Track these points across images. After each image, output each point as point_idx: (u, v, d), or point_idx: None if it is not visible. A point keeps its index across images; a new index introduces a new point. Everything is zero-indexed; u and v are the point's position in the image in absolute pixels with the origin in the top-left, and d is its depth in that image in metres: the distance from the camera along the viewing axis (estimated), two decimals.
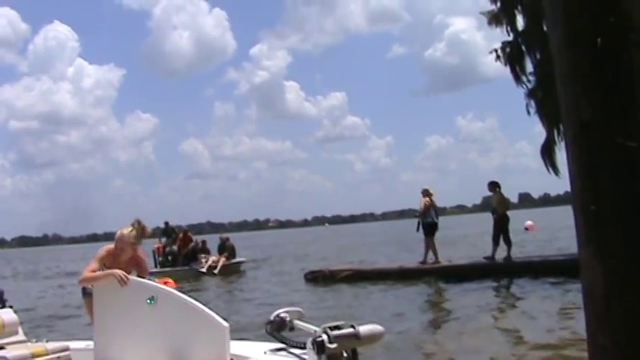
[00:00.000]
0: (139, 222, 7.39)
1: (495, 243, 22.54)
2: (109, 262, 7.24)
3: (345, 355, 4.83)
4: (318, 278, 23.57)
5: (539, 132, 22.75)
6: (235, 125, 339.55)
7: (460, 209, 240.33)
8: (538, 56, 22.22)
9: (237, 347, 5.36)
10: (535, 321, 13.69)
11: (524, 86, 22.86)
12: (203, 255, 31.89)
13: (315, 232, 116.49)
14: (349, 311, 15.76)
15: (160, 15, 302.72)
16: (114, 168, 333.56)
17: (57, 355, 7.51)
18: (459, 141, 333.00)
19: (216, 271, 30.40)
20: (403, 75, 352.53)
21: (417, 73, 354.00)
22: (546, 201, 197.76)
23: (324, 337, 4.69)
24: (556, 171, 22.16)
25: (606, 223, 2.57)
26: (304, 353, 4.92)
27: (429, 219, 23.15)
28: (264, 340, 5.73)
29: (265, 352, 5.38)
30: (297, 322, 5.41)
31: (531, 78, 22.65)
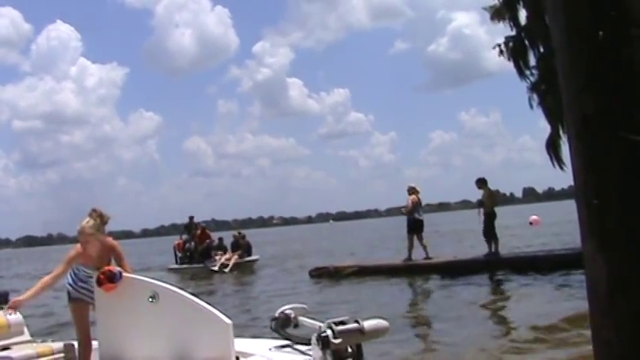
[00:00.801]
0: (94, 210, 7.30)
1: (489, 239, 22.59)
2: (82, 259, 7.23)
3: (349, 350, 4.83)
4: (322, 274, 23.59)
5: (542, 126, 22.76)
6: (239, 123, 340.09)
7: (465, 204, 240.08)
8: (541, 50, 22.21)
9: (241, 344, 5.37)
10: (539, 314, 13.68)
11: (527, 80, 22.87)
12: (217, 252, 31.76)
13: (320, 229, 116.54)
14: (354, 307, 15.75)
15: (162, 13, 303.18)
16: (118, 167, 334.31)
17: (62, 354, 7.53)
18: (463, 136, 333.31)
19: (227, 269, 30.29)
20: (406, 71, 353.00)
21: (420, 68, 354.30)
22: (551, 195, 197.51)
23: (329, 332, 4.69)
24: (561, 165, 22.14)
25: (610, 217, 2.57)
26: (309, 349, 4.92)
27: (415, 216, 23.29)
28: (269, 337, 5.74)
29: (270, 349, 5.39)
30: (301, 318, 5.41)
31: (534, 72, 22.64)
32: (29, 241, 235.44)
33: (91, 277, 7.01)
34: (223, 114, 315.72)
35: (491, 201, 22.96)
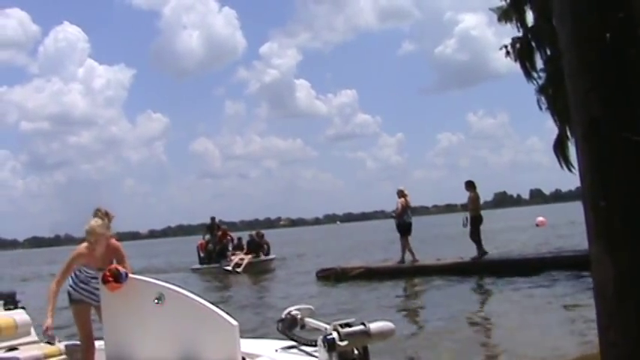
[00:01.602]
0: (99, 210, 7.26)
1: (478, 242, 22.69)
2: (85, 260, 7.20)
3: (355, 352, 4.83)
4: (329, 276, 23.56)
5: (550, 128, 22.66)
6: (246, 124, 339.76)
7: None
8: (548, 52, 22.15)
9: (248, 345, 5.37)
10: (544, 316, 13.66)
11: (534, 82, 22.78)
12: (235, 252, 31.77)
13: (327, 230, 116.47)
14: (360, 309, 15.73)
15: (170, 15, 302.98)
16: (125, 168, 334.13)
17: (69, 355, 7.54)
18: (470, 138, 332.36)
19: (239, 269, 30.30)
20: (414, 72, 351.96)
21: (428, 70, 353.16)
22: (557, 197, 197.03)
23: (335, 334, 4.68)
24: (569, 166, 22.07)
25: (616, 218, 2.56)
26: (315, 351, 4.92)
27: (405, 219, 23.40)
28: (276, 338, 5.74)
29: (276, 350, 5.38)
30: (308, 319, 5.41)
31: (542, 74, 22.59)
32: (37, 242, 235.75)
33: (94, 278, 7.01)
34: (231, 115, 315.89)
35: (476, 205, 22.93)
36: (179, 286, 5.53)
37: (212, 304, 5.24)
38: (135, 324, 5.63)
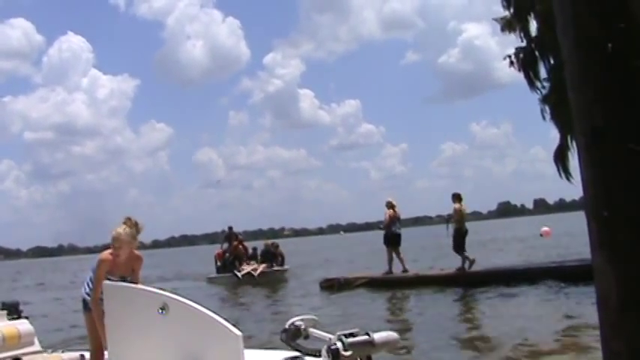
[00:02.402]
0: (129, 219, 7.33)
1: (461, 253, 22.80)
2: (109, 267, 7.24)
3: None
4: (333, 286, 23.59)
5: (554, 137, 22.71)
6: (250, 134, 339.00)
7: (475, 216, 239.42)
8: (552, 61, 22.19)
9: (251, 356, 5.37)
10: (544, 325, 13.65)
11: (538, 92, 22.84)
12: (249, 262, 31.87)
13: (331, 240, 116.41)
14: (364, 319, 15.73)
15: (174, 25, 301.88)
16: (129, 178, 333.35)
17: None
18: (474, 147, 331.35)
19: (240, 276, 30.56)
20: (417, 82, 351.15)
21: (431, 79, 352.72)
22: (562, 206, 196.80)
23: (339, 344, 4.68)
24: (569, 176, 22.09)
25: (619, 228, 2.56)
26: None
27: (393, 230, 23.59)
28: (279, 349, 5.74)
29: None
30: (311, 329, 5.40)
31: (545, 84, 22.63)
32: (40, 252, 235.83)
33: None
34: (234, 125, 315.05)
35: (461, 217, 23.01)
36: (183, 296, 5.53)
37: (216, 313, 5.24)
38: (138, 334, 5.63)
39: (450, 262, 22.94)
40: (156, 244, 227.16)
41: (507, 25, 23.12)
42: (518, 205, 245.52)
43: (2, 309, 8.28)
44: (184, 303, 5.40)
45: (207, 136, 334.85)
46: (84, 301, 7.43)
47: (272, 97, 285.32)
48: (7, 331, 7.85)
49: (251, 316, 19.28)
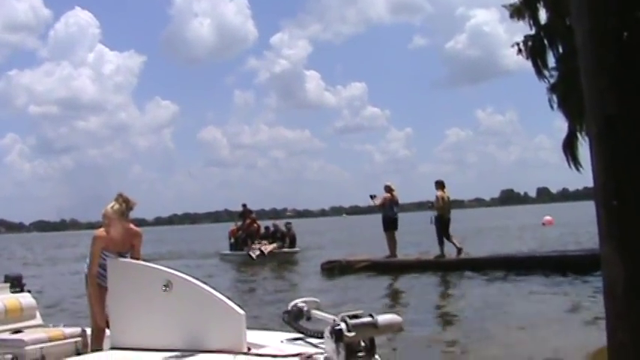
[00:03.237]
0: (120, 195, 7.31)
1: (441, 242, 22.96)
2: (104, 243, 7.26)
3: (362, 344, 4.83)
4: (334, 268, 23.61)
5: (559, 126, 22.69)
6: (254, 114, 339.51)
7: (478, 202, 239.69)
8: (561, 50, 22.11)
9: (253, 336, 5.37)
10: (549, 315, 13.67)
11: (546, 80, 22.76)
12: (261, 241, 31.73)
13: (333, 222, 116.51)
14: (364, 302, 15.75)
15: (181, 2, 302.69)
16: (132, 154, 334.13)
17: (74, 339, 7.56)
18: (479, 134, 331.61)
19: (254, 256, 30.51)
20: (424, 66, 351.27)
21: (438, 64, 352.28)
22: (565, 196, 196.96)
23: (343, 325, 4.68)
24: (577, 166, 22.04)
25: (628, 218, 2.55)
26: (322, 342, 4.92)
27: (390, 214, 23.82)
28: (282, 330, 5.75)
29: (282, 341, 5.38)
30: (314, 311, 5.41)
31: (553, 72, 22.55)
32: (42, 226, 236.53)
33: None
34: (239, 105, 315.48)
35: (442, 204, 23.07)
36: (188, 274, 5.54)
37: (220, 292, 5.25)
38: (141, 310, 5.64)
39: (452, 247, 22.93)
40: (158, 221, 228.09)
41: (516, 12, 23.02)
42: (521, 193, 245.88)
43: (5, 282, 8.31)
44: (188, 280, 5.41)
45: (211, 114, 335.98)
46: (85, 276, 7.46)
47: (278, 78, 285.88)
48: (9, 304, 7.88)
49: (254, 296, 19.32)
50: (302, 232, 34.63)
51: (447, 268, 21.55)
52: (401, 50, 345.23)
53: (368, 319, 4.79)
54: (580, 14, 2.71)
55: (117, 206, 7.23)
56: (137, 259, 7.34)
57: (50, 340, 7.38)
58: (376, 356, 4.77)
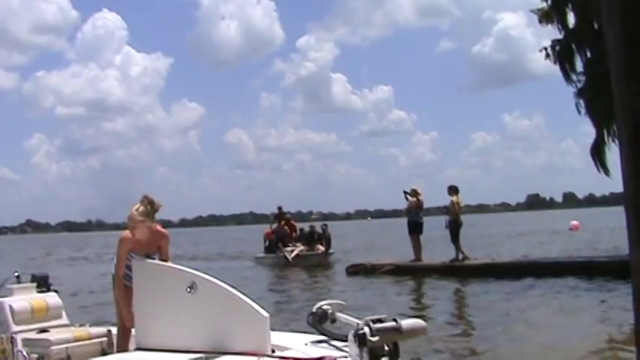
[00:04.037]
0: (146, 197, 7.30)
1: (457, 244, 23.01)
2: (130, 245, 7.28)
3: (386, 348, 4.82)
4: (359, 271, 23.63)
5: (586, 131, 22.62)
6: (281, 116, 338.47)
7: (504, 207, 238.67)
8: (589, 55, 22.01)
9: (278, 338, 5.38)
10: (576, 320, 13.59)
11: (573, 85, 22.66)
12: (295, 244, 31.59)
13: (358, 226, 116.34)
14: (388, 305, 15.72)
15: (208, 5, 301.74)
16: (159, 156, 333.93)
17: (99, 339, 7.60)
18: (505, 138, 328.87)
19: (290, 258, 30.41)
20: (450, 70, 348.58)
21: (464, 68, 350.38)
22: (591, 201, 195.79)
23: (366, 329, 4.67)
24: (606, 171, 21.94)
25: None
26: (345, 345, 4.91)
27: (415, 219, 23.90)
28: (306, 332, 5.74)
29: (306, 344, 5.38)
30: (339, 314, 5.40)
31: (581, 77, 22.44)
32: (68, 226, 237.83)
33: None
34: (266, 107, 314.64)
35: (455, 209, 23.07)
36: (213, 276, 5.55)
37: (253, 293, 5.26)
38: (166, 312, 5.66)
39: (477, 252, 22.86)
40: (183, 223, 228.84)
41: (545, 17, 22.95)
42: (547, 198, 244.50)
43: (32, 281, 8.36)
44: (213, 282, 5.41)
45: (238, 117, 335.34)
46: (113, 277, 7.48)
47: (304, 81, 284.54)
48: (36, 304, 7.93)
49: (278, 298, 19.33)
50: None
51: (472, 273, 21.45)
52: (427, 54, 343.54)
53: (392, 323, 4.79)
54: (611, 19, 2.68)
55: (142, 208, 7.23)
56: (165, 260, 7.36)
57: (76, 340, 7.42)
58: None
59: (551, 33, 23.13)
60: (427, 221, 24.18)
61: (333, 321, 5.45)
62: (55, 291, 8.46)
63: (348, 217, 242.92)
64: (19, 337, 7.50)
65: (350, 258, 29.78)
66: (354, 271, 23.93)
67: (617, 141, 2.77)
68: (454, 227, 22.91)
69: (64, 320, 8.17)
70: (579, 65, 22.60)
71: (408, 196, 24.05)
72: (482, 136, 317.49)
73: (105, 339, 7.59)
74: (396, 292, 19.29)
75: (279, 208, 33.79)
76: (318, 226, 32.83)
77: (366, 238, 56.39)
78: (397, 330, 4.79)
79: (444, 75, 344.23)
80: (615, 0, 2.63)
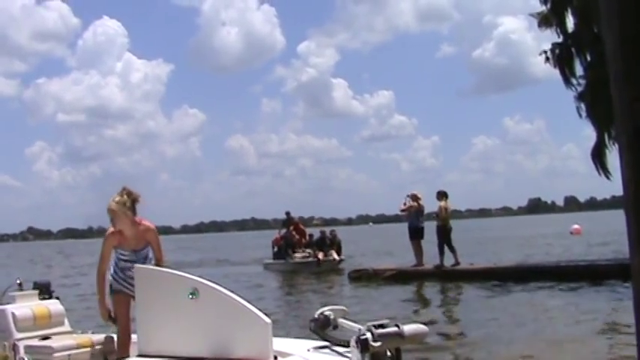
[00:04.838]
0: (124, 188, 7.32)
1: (442, 252, 23.02)
2: (116, 241, 7.29)
3: (388, 354, 4.82)
4: (361, 277, 23.63)
5: (587, 135, 22.70)
6: (282, 122, 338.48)
7: (506, 211, 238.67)
8: (588, 58, 22.02)
9: (280, 344, 5.37)
10: (576, 324, 13.57)
11: (573, 88, 22.68)
12: (305, 250, 31.37)
13: (360, 231, 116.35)
14: (390, 311, 15.71)
15: (209, 11, 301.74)
16: (160, 162, 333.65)
17: (101, 346, 7.61)
18: (506, 142, 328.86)
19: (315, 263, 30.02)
20: (451, 75, 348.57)
21: (465, 73, 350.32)
22: (592, 205, 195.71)
23: (368, 335, 4.67)
24: (607, 174, 21.94)
25: None
26: (348, 351, 4.91)
27: (416, 223, 23.89)
28: (308, 338, 5.74)
29: (309, 350, 5.38)
30: (341, 320, 5.40)
31: (581, 80, 22.45)
32: (70, 234, 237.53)
33: (131, 262, 7.09)
34: (267, 113, 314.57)
35: (443, 215, 23.20)
36: (215, 282, 5.55)
37: (246, 300, 5.25)
38: (168, 318, 5.66)
39: (479, 257, 22.85)
40: (185, 229, 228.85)
41: (544, 21, 22.96)
42: (549, 201, 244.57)
43: (34, 289, 8.37)
44: (214, 288, 5.41)
45: (239, 123, 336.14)
46: (110, 284, 7.49)
47: (305, 86, 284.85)
48: (38, 311, 7.93)
49: (282, 303, 19.32)
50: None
51: (474, 278, 21.44)
52: (428, 58, 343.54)
53: (394, 328, 4.79)
54: (610, 22, 2.69)
55: (118, 198, 7.23)
56: (160, 257, 7.38)
57: (78, 347, 7.44)
58: None
59: (552, 37, 23.17)
60: (428, 226, 24.14)
61: (335, 327, 5.45)
62: (57, 298, 8.48)
63: (349, 222, 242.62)
64: (21, 345, 7.51)
65: (353, 263, 29.68)
66: (357, 276, 23.92)
67: (617, 144, 2.78)
68: (443, 232, 22.97)
69: (67, 327, 8.17)
70: (579, 69, 22.63)
71: (408, 199, 24.04)
72: (484, 140, 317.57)
73: (107, 346, 7.60)
74: (398, 298, 19.25)
75: (287, 214, 33.41)
76: (327, 232, 32.33)
77: (368, 243, 56.39)
78: (399, 335, 4.80)
79: (444, 79, 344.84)
80: (614, 3, 2.63)
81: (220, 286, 5.47)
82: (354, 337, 4.73)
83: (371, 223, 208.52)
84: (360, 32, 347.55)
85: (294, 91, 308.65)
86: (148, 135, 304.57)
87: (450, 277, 21.92)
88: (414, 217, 23.82)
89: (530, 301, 17.34)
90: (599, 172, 22.23)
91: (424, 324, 5.09)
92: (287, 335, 6.88)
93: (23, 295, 8.16)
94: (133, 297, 6.90)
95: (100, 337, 7.76)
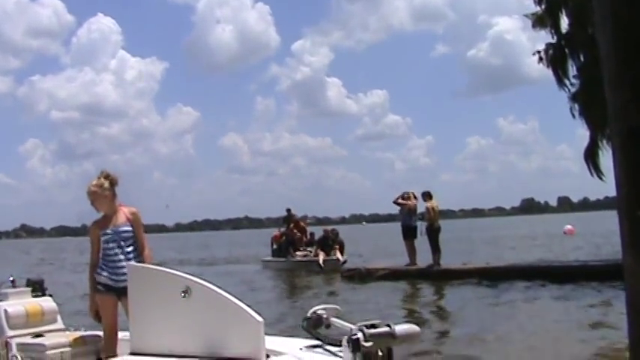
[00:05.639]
0: (102, 171, 7.36)
1: (435, 250, 23.19)
2: (100, 228, 7.32)
3: (380, 353, 4.82)
4: (354, 276, 23.64)
5: (580, 135, 22.67)
6: (276, 121, 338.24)
7: (499, 211, 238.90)
8: (582, 59, 22.04)
9: (272, 342, 5.37)
10: (569, 324, 13.61)
11: (566, 89, 22.70)
12: (306, 248, 31.22)
13: (353, 230, 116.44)
14: (382, 310, 15.73)
15: (203, 9, 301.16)
16: (154, 160, 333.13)
17: (94, 344, 7.59)
18: (500, 142, 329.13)
19: (322, 265, 28.92)
20: (445, 74, 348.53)
21: (460, 72, 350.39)
22: (586, 205, 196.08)
23: (360, 335, 4.67)
24: (600, 175, 21.97)
25: None
26: (340, 350, 4.91)
27: (409, 223, 24.02)
28: (301, 337, 5.74)
29: (301, 349, 5.37)
30: (333, 319, 5.39)
31: (575, 81, 22.48)
32: (63, 231, 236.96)
33: (113, 242, 7.13)
34: (261, 111, 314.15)
35: (430, 215, 23.28)
36: (207, 280, 5.54)
37: (238, 299, 5.25)
38: (161, 316, 5.65)
39: (472, 257, 22.90)
40: (179, 227, 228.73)
41: (538, 21, 22.98)
42: (542, 202, 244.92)
43: (27, 286, 8.35)
44: (207, 287, 5.41)
45: (233, 121, 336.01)
46: (98, 282, 7.48)
47: (299, 85, 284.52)
48: (31, 308, 7.91)
49: (273, 302, 19.32)
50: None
51: (468, 278, 21.47)
52: (423, 58, 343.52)
53: (385, 328, 4.78)
54: (604, 23, 2.69)
55: (96, 181, 7.26)
56: (141, 238, 7.37)
57: (71, 344, 7.42)
58: None
59: (546, 38, 23.19)
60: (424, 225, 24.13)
61: (328, 326, 5.44)
62: (50, 295, 8.46)
63: (343, 221, 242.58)
64: (13, 342, 7.48)
65: (357, 263, 29.48)
66: (349, 275, 23.96)
67: (610, 145, 2.77)
68: (431, 232, 23.08)
69: (60, 325, 8.15)
70: (572, 69, 22.65)
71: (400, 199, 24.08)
72: (477, 140, 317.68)
73: (100, 343, 7.58)
74: (390, 297, 19.28)
75: (288, 211, 33.28)
76: (327, 232, 31.63)
77: (368, 243, 56.29)
78: (391, 335, 4.79)
79: (439, 79, 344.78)
80: (607, 5, 2.64)
81: (213, 284, 5.46)
82: (346, 337, 4.72)
83: (364, 223, 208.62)
84: (354, 31, 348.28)
85: (289, 89, 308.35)
86: (142, 133, 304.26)
87: (443, 276, 21.95)
88: (406, 216, 23.87)
89: (522, 300, 17.37)
90: (591, 173, 22.26)
91: (416, 324, 5.09)
92: (280, 334, 6.86)
93: (16, 293, 8.13)
94: (120, 290, 6.89)
95: (93, 334, 7.75)
